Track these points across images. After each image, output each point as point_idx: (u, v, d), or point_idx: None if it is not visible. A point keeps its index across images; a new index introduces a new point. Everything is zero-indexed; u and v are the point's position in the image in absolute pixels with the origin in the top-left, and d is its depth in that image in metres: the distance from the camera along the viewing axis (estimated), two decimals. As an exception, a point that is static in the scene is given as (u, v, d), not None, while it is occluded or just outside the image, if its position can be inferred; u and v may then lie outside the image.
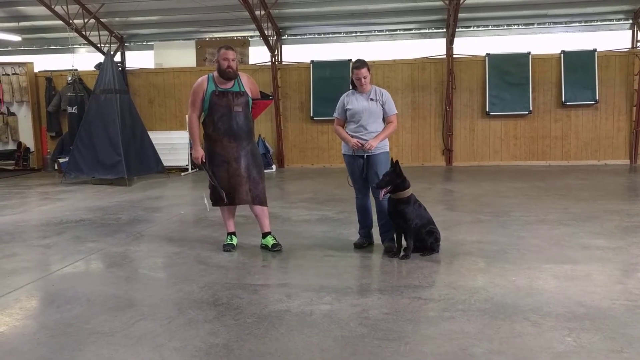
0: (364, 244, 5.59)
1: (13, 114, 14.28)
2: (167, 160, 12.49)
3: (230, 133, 5.36)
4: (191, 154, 5.33)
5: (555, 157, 12.93)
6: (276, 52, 13.54)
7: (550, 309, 3.74)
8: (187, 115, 5.46)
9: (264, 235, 5.68)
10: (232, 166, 5.39)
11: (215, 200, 5.55)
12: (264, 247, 5.64)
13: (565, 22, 12.92)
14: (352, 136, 5.47)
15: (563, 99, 12.64)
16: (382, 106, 5.44)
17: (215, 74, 5.39)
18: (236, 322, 3.65)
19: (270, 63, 13.43)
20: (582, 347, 3.17)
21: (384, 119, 5.51)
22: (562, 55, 12.63)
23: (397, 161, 5.21)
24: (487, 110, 12.85)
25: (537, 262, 4.90)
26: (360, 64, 5.43)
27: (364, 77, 5.38)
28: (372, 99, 5.45)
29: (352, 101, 5.53)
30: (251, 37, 13.88)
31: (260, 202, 5.59)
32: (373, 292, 4.21)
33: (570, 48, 12.66)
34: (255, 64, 13.80)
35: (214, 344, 3.33)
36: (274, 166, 13.25)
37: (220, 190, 5.39)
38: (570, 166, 12.54)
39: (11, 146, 14.35)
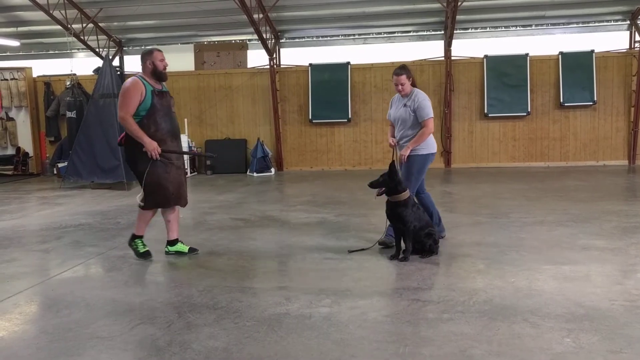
0: (391, 243, 5.54)
1: (12, 119, 14.30)
2: (166, 164, 12.47)
3: (172, 132, 5.31)
4: (143, 155, 5.05)
5: (553, 158, 12.95)
6: (274, 56, 13.56)
7: (549, 310, 3.75)
8: (119, 117, 5.12)
9: (175, 242, 5.57)
10: (175, 166, 5.31)
11: (160, 202, 5.33)
12: (176, 253, 5.52)
13: (563, 24, 12.94)
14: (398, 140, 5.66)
15: (561, 100, 12.66)
16: (414, 112, 5.46)
17: (146, 75, 5.23)
18: (236, 326, 3.65)
19: (268, 66, 13.45)
20: (581, 348, 3.17)
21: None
22: (560, 56, 12.66)
23: (392, 163, 5.22)
24: (486, 111, 12.87)
25: (536, 264, 4.90)
26: (399, 70, 5.51)
27: (402, 84, 5.47)
28: (405, 105, 5.50)
29: (392, 106, 5.71)
30: (249, 40, 13.91)
31: (185, 203, 5.57)
32: (372, 295, 4.20)
33: (568, 49, 12.70)
34: (253, 68, 13.83)
35: (214, 347, 3.33)
36: (272, 169, 13.26)
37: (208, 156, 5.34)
38: (569, 167, 12.55)
39: (10, 151, 14.37)
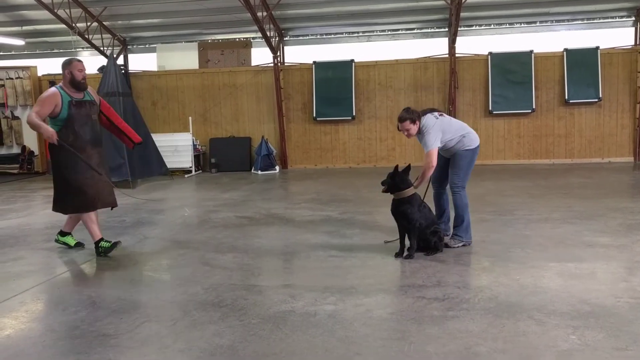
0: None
1: (17, 118, 14.34)
2: (171, 162, 12.54)
3: (93, 141, 5.53)
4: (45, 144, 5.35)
5: (558, 156, 12.91)
6: (278, 53, 13.55)
7: (554, 307, 3.74)
8: (28, 115, 5.31)
9: (66, 234, 5.93)
10: (96, 172, 5.54)
11: (80, 207, 5.54)
12: (63, 244, 5.93)
13: (568, 20, 12.89)
14: None
15: (566, 97, 12.62)
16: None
17: (64, 84, 5.43)
18: (241, 323, 3.66)
19: (272, 64, 13.44)
20: (587, 345, 3.17)
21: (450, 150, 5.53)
22: (564, 53, 12.61)
23: (396, 166, 5.26)
24: (490, 109, 12.84)
25: (541, 261, 4.89)
26: (401, 116, 5.41)
27: (406, 130, 5.40)
28: (419, 136, 5.46)
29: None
30: (253, 38, 13.91)
31: (115, 203, 5.84)
32: (377, 292, 4.21)
33: (572, 46, 12.64)
34: (257, 66, 13.83)
35: (219, 345, 3.34)
36: (277, 167, 13.27)
37: (107, 183, 5.69)
38: (574, 164, 12.51)
39: (15, 150, 14.42)
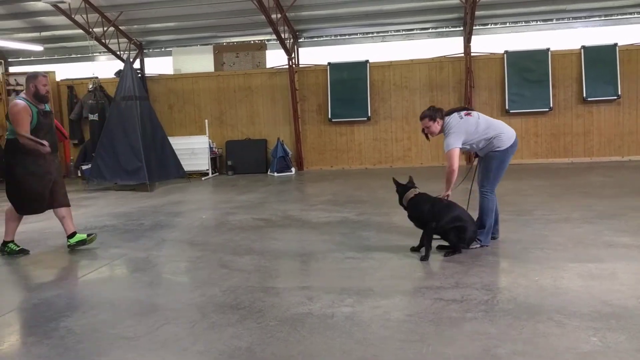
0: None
1: (36, 123, 14.51)
2: (188, 165, 12.61)
3: (53, 147, 5.86)
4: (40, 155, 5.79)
5: (577, 154, 12.77)
6: (293, 55, 13.58)
7: (575, 309, 3.70)
8: (19, 136, 5.62)
9: (73, 234, 6.06)
10: (53, 175, 5.92)
11: (37, 209, 5.96)
12: (77, 244, 6.02)
13: (585, 17, 12.74)
14: None
15: (584, 95, 12.47)
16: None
17: (28, 97, 5.76)
18: (259, 325, 3.67)
19: (287, 66, 13.47)
20: (608, 347, 3.13)
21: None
22: (582, 50, 12.47)
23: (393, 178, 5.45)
24: (507, 108, 12.74)
25: (561, 261, 4.84)
26: (423, 114, 5.42)
27: (427, 127, 5.39)
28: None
29: None
30: (268, 40, 13.96)
31: (69, 203, 6.19)
32: (394, 294, 4.20)
33: (590, 43, 12.49)
34: (272, 68, 13.87)
35: (238, 347, 3.35)
36: (293, 169, 13.29)
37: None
38: (594, 163, 12.36)
39: (35, 154, 14.59)
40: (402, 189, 5.36)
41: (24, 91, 5.87)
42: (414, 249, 5.28)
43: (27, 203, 5.90)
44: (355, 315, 3.78)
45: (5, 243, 5.99)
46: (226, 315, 3.89)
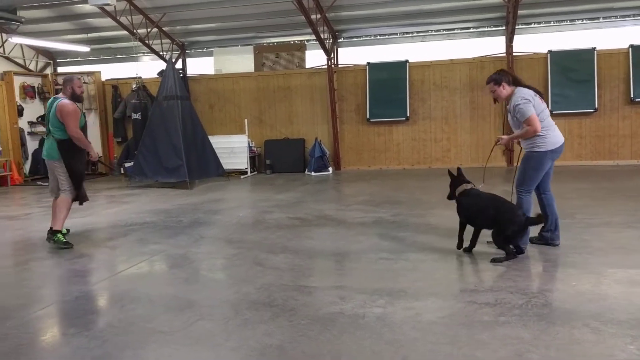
0: (533, 240, 5.50)
1: (83, 121, 14.98)
2: (227, 163, 12.78)
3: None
4: (93, 157, 6.75)
5: (623, 157, 12.38)
6: (332, 55, 13.61)
7: (612, 316, 3.61)
8: (74, 136, 6.22)
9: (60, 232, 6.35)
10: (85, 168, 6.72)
11: (82, 197, 6.54)
12: (57, 242, 6.24)
13: (634, 15, 12.33)
14: None
15: (631, 96, 12.08)
16: (515, 116, 5.25)
17: (66, 97, 6.30)
18: (290, 324, 3.72)
19: (326, 66, 13.51)
20: (646, 356, 3.05)
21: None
22: (630, 49, 12.07)
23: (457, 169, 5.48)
24: (550, 108, 12.42)
25: (600, 267, 4.73)
26: (487, 80, 5.43)
27: (492, 92, 5.37)
28: (509, 111, 5.34)
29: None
30: (307, 41, 14.02)
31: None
32: (427, 296, 4.18)
33: (639, 42, 12.09)
34: (311, 68, 13.94)
35: (269, 344, 3.40)
36: (330, 169, 13.32)
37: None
38: (640, 166, 11.98)
39: (81, 152, 15.07)
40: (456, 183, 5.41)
41: (61, 93, 6.36)
42: (466, 250, 5.27)
43: (81, 187, 6.51)
44: (387, 316, 3.78)
45: (54, 232, 6.24)
46: (259, 313, 3.94)
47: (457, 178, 5.43)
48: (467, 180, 5.39)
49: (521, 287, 4.27)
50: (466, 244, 5.28)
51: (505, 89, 5.28)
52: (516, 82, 5.35)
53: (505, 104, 5.47)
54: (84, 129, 6.42)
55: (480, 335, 3.42)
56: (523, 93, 5.22)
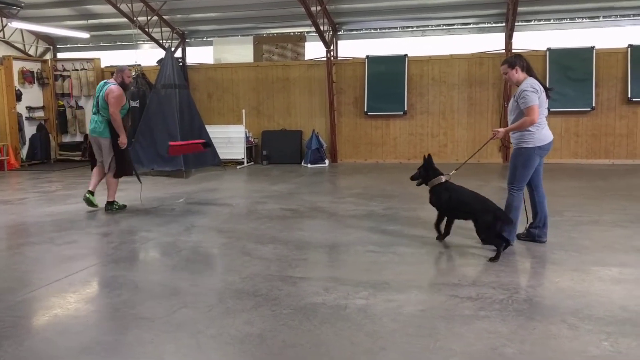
0: (520, 237, 5.58)
1: (81, 108, 15.01)
2: (224, 153, 12.81)
3: (127, 129, 7.46)
4: (116, 143, 7.51)
5: (619, 156, 12.40)
6: (332, 48, 13.60)
7: (590, 312, 3.65)
8: (113, 113, 7.10)
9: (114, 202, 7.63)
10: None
11: (123, 172, 7.55)
12: (119, 208, 7.61)
13: (634, 15, 12.31)
14: None
15: (629, 95, 12.09)
16: (517, 102, 5.28)
17: (117, 82, 7.27)
18: (272, 313, 3.76)
19: (325, 58, 13.51)
20: (619, 352, 3.09)
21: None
22: (629, 49, 12.07)
23: (428, 155, 5.76)
24: (547, 106, 12.42)
25: (584, 264, 4.76)
26: (502, 61, 5.47)
27: (504, 74, 5.41)
28: (513, 96, 5.39)
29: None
30: (307, 32, 14.01)
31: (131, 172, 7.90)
32: (410, 289, 4.21)
33: (638, 42, 12.07)
34: (310, 60, 13.93)
35: (249, 333, 3.44)
36: (326, 161, 13.34)
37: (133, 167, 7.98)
38: (636, 165, 11.99)
39: (79, 138, 15.12)
40: (427, 173, 5.67)
41: (112, 78, 7.31)
42: (440, 238, 5.47)
43: (126, 167, 7.54)
44: (368, 308, 3.82)
45: (110, 203, 7.52)
46: (242, 302, 3.98)
47: (432, 168, 5.60)
48: (441, 172, 5.53)
49: (504, 283, 4.31)
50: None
51: (517, 73, 5.32)
52: (530, 71, 5.37)
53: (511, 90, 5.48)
54: (127, 114, 7.42)
55: (459, 328, 3.46)
56: (534, 82, 5.26)
